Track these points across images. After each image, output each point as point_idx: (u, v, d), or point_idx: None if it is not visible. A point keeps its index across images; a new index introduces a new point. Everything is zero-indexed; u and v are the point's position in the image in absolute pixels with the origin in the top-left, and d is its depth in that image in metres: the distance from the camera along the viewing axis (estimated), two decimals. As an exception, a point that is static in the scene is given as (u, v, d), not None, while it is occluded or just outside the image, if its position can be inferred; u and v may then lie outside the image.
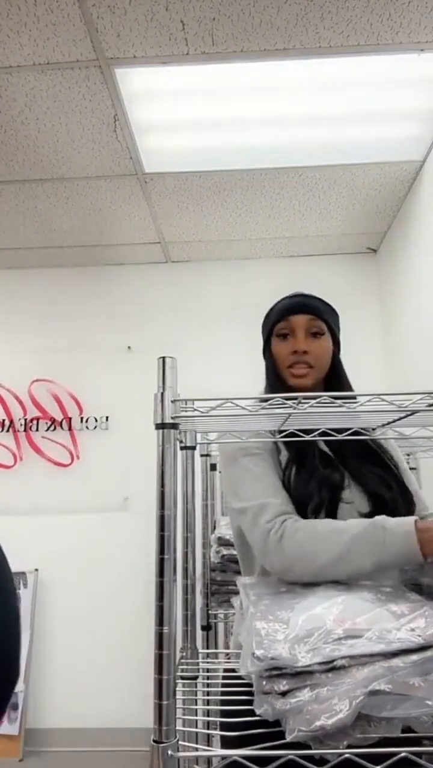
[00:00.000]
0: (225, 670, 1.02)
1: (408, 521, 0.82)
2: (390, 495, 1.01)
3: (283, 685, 0.62)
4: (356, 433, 0.80)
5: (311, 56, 1.71)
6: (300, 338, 1.11)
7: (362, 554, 0.82)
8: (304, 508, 0.97)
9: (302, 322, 1.13)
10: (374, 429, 0.90)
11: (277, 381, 1.14)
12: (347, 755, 0.59)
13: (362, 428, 0.81)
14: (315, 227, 2.76)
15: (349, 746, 0.59)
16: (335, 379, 1.15)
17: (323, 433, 0.80)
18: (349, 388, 1.17)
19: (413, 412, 0.72)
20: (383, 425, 0.84)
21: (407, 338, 2.61)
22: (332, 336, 1.16)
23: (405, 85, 1.85)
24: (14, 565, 0.65)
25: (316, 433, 0.80)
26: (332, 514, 0.97)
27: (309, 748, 0.60)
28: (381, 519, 0.85)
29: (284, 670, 0.63)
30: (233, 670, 0.91)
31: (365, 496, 1.02)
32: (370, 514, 0.97)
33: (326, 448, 1.09)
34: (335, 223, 2.73)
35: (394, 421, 0.79)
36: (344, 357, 1.20)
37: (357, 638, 0.65)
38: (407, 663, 0.62)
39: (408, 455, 2.40)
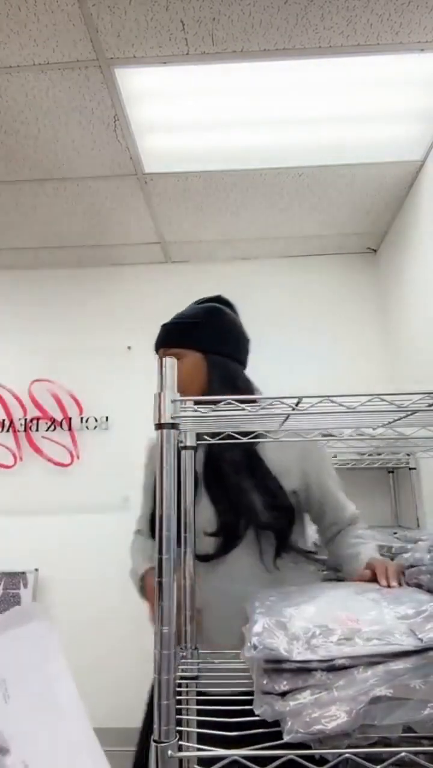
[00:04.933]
0: (220, 671, 1.02)
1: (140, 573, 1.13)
2: (232, 519, 1.09)
3: (283, 684, 0.62)
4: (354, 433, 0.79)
5: (311, 56, 1.70)
6: None
7: None
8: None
9: (162, 355, 1.21)
10: (374, 429, 0.90)
11: None
12: (347, 755, 0.60)
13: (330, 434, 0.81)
14: (315, 227, 2.75)
15: (349, 746, 0.59)
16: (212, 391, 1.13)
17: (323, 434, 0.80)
18: (245, 392, 1.15)
19: (413, 412, 0.72)
20: (383, 425, 0.84)
21: (406, 338, 2.61)
22: (202, 349, 1.17)
23: (405, 85, 1.85)
24: (14, 565, 0.65)
25: (315, 433, 0.80)
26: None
27: (309, 747, 0.60)
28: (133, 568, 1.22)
29: (283, 665, 0.63)
30: (229, 671, 0.91)
31: (214, 513, 1.10)
32: (215, 534, 1.09)
33: (199, 461, 1.12)
34: (334, 224, 2.72)
35: (394, 421, 0.79)
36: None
37: (359, 639, 0.65)
38: (408, 665, 0.62)
39: (408, 455, 2.40)
